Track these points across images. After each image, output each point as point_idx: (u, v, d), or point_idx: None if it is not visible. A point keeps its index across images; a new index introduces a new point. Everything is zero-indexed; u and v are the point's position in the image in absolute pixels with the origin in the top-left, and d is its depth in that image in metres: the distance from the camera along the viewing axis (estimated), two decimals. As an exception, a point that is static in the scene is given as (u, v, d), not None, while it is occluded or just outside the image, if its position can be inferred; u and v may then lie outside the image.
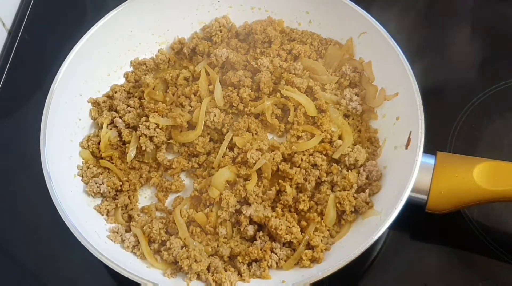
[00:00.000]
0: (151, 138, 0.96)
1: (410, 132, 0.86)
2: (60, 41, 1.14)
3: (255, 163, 0.91)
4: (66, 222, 0.82)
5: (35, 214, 0.97)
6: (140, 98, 1.02)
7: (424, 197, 0.83)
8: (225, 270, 0.85)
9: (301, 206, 0.88)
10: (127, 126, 0.99)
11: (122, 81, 1.06)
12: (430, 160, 0.84)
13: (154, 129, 0.96)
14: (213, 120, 0.96)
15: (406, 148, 0.86)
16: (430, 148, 0.85)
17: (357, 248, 0.78)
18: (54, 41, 1.17)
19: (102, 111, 1.00)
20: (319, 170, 0.92)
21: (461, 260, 0.90)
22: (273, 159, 0.91)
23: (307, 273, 0.82)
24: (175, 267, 0.86)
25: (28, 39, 1.20)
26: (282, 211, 0.89)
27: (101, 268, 0.87)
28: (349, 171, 0.90)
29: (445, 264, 0.89)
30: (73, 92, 0.98)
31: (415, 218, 0.86)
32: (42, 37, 1.21)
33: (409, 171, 0.81)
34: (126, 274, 0.79)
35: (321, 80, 1.00)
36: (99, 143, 0.97)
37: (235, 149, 0.95)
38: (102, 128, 0.98)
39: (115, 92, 1.03)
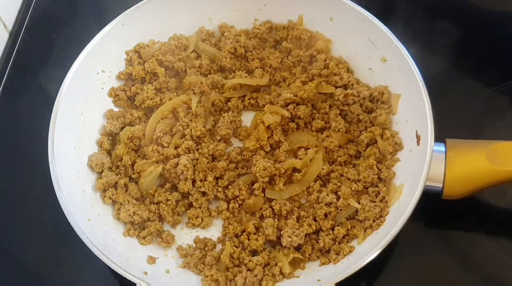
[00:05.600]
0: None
1: (416, 130, 0.88)
2: (61, 43, 1.14)
3: None
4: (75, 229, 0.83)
5: (37, 214, 0.99)
6: None
7: (440, 185, 0.84)
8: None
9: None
10: None
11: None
12: (441, 148, 0.85)
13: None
14: None
15: (418, 145, 0.87)
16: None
17: (381, 241, 0.80)
18: (55, 42, 1.17)
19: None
20: None
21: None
22: None
23: (337, 270, 0.85)
24: None
25: (29, 40, 1.20)
26: None
27: (104, 269, 0.87)
28: None
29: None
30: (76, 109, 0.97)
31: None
32: (43, 39, 1.20)
33: (422, 162, 0.83)
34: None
35: None
36: None
37: None
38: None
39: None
